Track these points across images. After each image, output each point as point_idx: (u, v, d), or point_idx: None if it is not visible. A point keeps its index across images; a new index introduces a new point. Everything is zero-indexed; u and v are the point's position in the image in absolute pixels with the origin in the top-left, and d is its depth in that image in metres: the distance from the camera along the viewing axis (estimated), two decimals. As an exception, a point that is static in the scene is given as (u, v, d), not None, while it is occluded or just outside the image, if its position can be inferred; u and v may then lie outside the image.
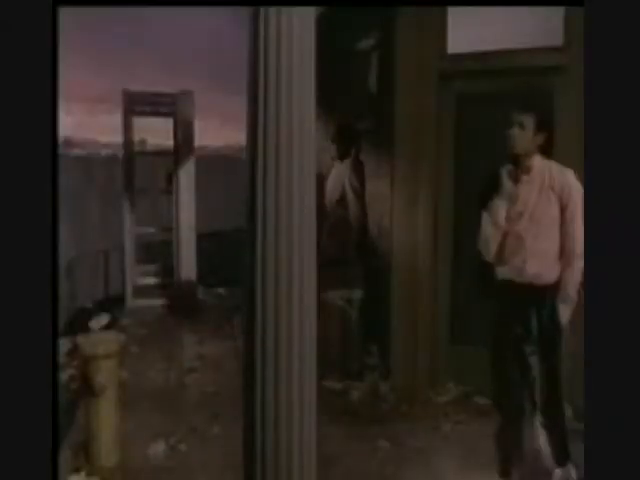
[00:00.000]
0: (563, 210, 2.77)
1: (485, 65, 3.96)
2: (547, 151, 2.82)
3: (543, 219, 2.78)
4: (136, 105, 6.67)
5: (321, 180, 4.52)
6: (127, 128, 6.67)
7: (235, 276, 5.13)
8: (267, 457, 1.77)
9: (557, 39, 3.82)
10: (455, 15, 4.02)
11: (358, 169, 4.74)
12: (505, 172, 2.85)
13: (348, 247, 4.64)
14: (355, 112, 5.05)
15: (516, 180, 2.81)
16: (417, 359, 4.15)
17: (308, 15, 1.75)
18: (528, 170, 2.79)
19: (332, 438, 3.39)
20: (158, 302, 6.72)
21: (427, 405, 3.94)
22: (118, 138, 6.81)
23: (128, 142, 6.73)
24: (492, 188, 2.86)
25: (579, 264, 2.75)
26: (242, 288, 1.82)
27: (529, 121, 2.74)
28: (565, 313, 2.82)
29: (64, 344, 4.56)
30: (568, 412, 3.82)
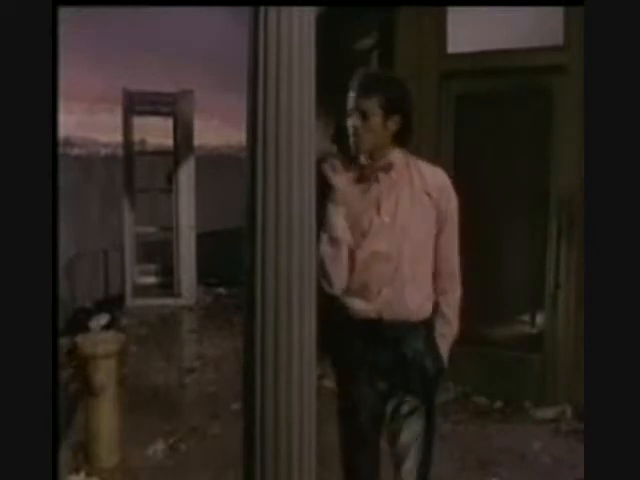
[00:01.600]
0: (439, 219, 2.09)
1: (485, 65, 3.96)
2: (405, 142, 2.11)
3: (418, 233, 2.07)
4: (136, 104, 6.69)
5: (321, 180, 4.52)
6: (127, 127, 6.69)
7: (235, 276, 5.13)
8: (267, 457, 1.77)
9: (557, 39, 3.83)
10: (455, 15, 4.03)
11: (358, 169, 4.73)
12: (329, 168, 2.05)
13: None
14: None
15: (375, 180, 2.07)
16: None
17: (308, 15, 1.75)
18: (388, 167, 2.07)
19: (332, 438, 3.38)
20: (158, 302, 6.73)
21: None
22: (118, 137, 6.83)
23: (128, 141, 6.74)
24: (322, 192, 2.02)
25: (458, 290, 2.18)
26: (242, 288, 1.82)
27: (372, 105, 2.01)
28: (444, 349, 2.16)
29: (64, 344, 4.56)
30: (568, 412, 3.85)
